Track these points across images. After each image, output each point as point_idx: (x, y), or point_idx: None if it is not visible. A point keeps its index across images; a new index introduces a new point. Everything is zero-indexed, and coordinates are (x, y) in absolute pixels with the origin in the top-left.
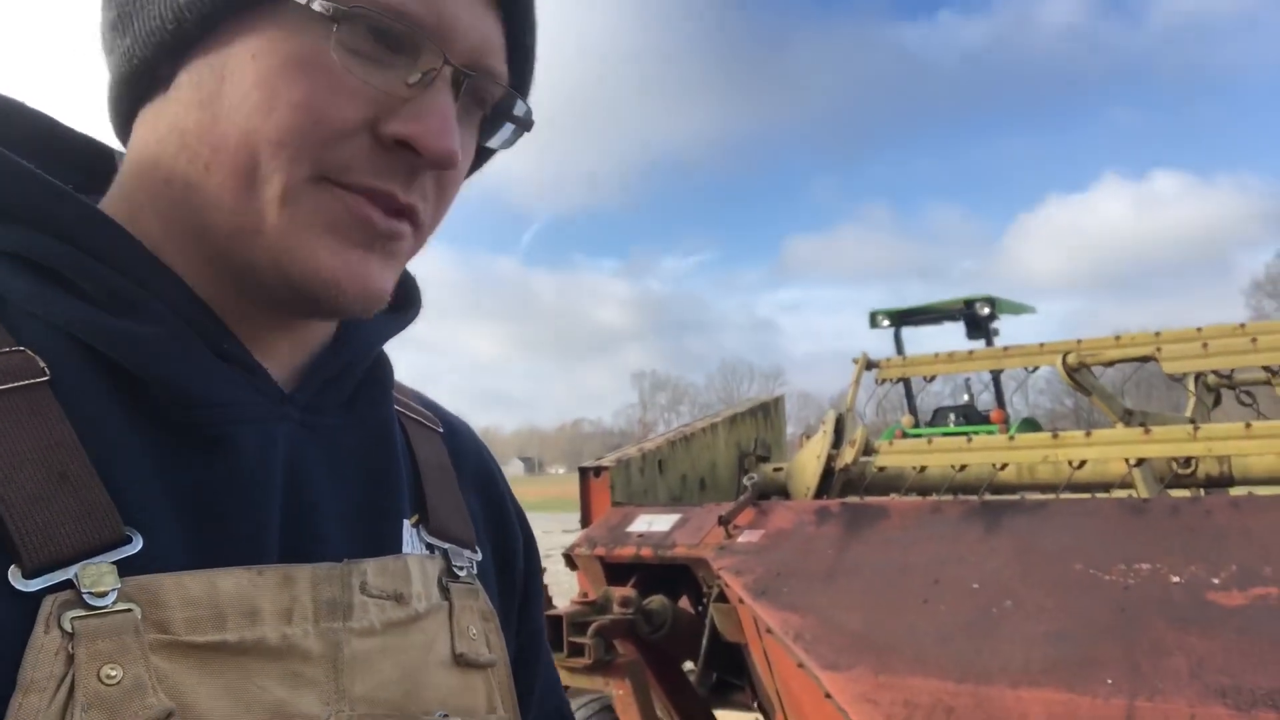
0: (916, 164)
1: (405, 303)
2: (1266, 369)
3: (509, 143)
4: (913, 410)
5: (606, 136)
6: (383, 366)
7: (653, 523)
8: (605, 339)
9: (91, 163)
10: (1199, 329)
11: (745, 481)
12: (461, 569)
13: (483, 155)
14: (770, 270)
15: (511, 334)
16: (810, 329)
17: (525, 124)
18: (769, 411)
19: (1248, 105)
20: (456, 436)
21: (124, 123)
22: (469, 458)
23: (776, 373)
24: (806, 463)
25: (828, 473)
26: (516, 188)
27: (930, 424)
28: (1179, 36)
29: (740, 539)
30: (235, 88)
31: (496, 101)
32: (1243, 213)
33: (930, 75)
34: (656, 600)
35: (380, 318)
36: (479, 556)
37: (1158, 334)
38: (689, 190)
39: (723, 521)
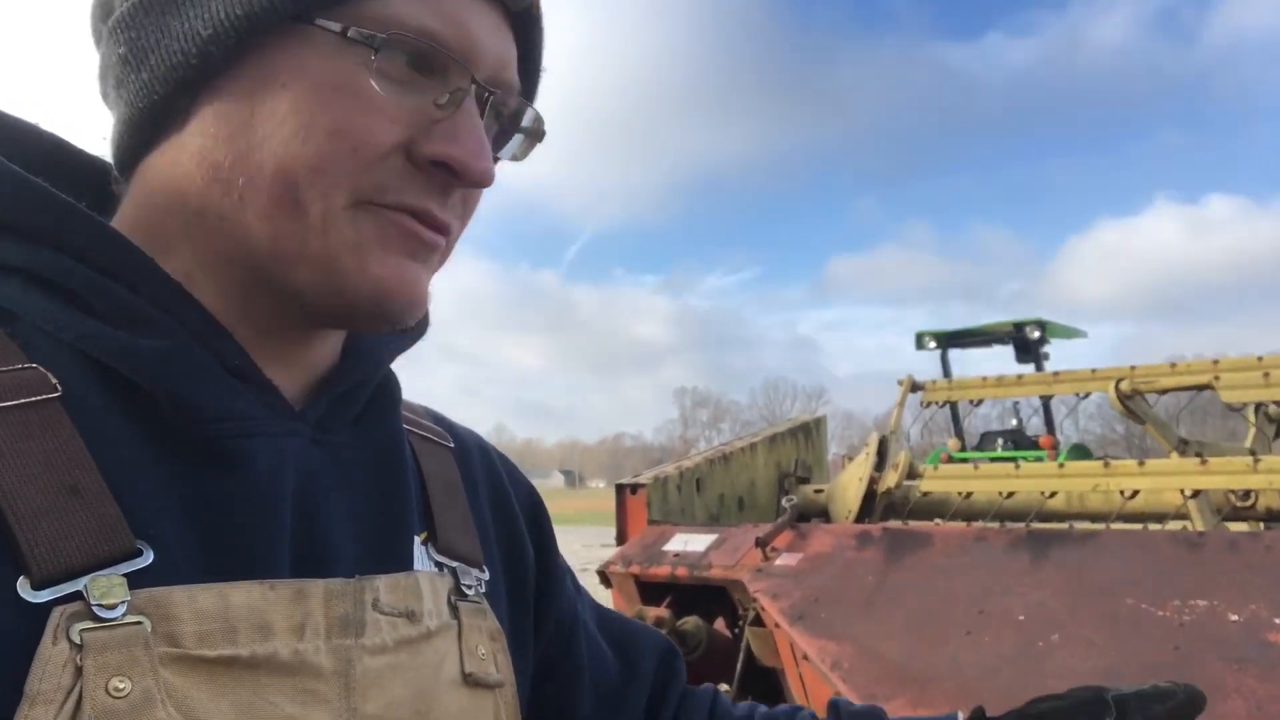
0: (960, 184)
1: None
2: None
3: (519, 156)
4: (959, 434)
5: (649, 153)
6: (391, 384)
7: (689, 542)
8: (646, 354)
9: (100, 182)
10: (1259, 358)
11: (784, 503)
12: (470, 588)
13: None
14: (812, 288)
15: (554, 347)
16: (852, 349)
17: (536, 135)
18: (810, 432)
19: None
20: (466, 452)
21: (131, 155)
22: (480, 471)
23: (819, 392)
24: (848, 485)
25: (869, 496)
26: (560, 203)
27: (977, 448)
28: (1231, 58)
29: (778, 561)
30: (268, 117)
31: (510, 115)
32: None
33: (975, 95)
34: (691, 621)
35: (388, 336)
36: (486, 575)
37: (1215, 362)
38: (730, 207)
39: (760, 543)
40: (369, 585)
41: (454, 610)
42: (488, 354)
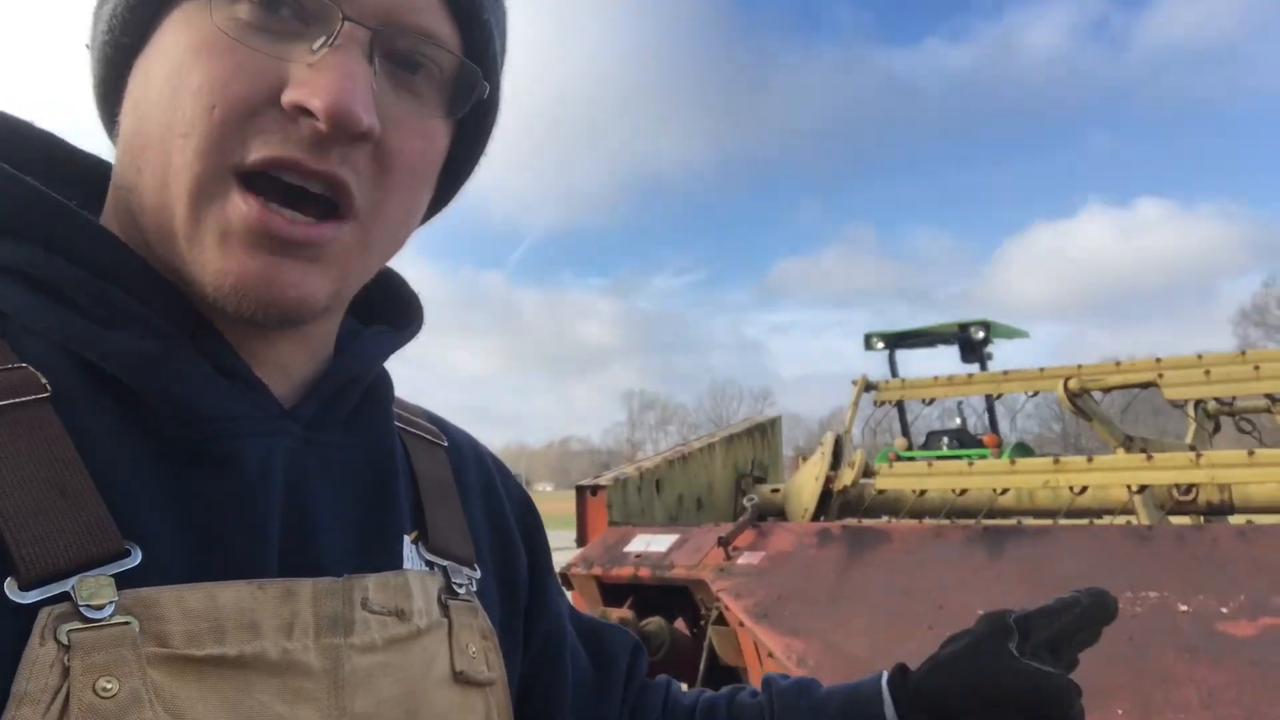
0: (900, 187)
1: (406, 319)
2: (1268, 396)
3: (454, 112)
4: (906, 433)
5: (593, 156)
6: (383, 383)
7: (650, 543)
8: (593, 357)
9: (97, 179)
10: (1199, 356)
11: (745, 502)
12: (460, 586)
13: (474, 152)
14: (758, 291)
15: (500, 351)
16: (797, 350)
17: (466, 86)
18: (765, 432)
19: (1227, 134)
20: (460, 451)
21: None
22: (472, 472)
23: (765, 393)
24: (804, 484)
25: (826, 494)
26: (504, 205)
27: (923, 447)
28: (1160, 65)
29: (740, 560)
30: (153, 86)
31: (453, 75)
32: (1226, 240)
33: (915, 100)
34: (654, 622)
35: (381, 334)
36: (478, 574)
37: (1158, 360)
38: (676, 210)
39: (723, 543)
40: (358, 584)
41: (445, 609)
42: (432, 358)
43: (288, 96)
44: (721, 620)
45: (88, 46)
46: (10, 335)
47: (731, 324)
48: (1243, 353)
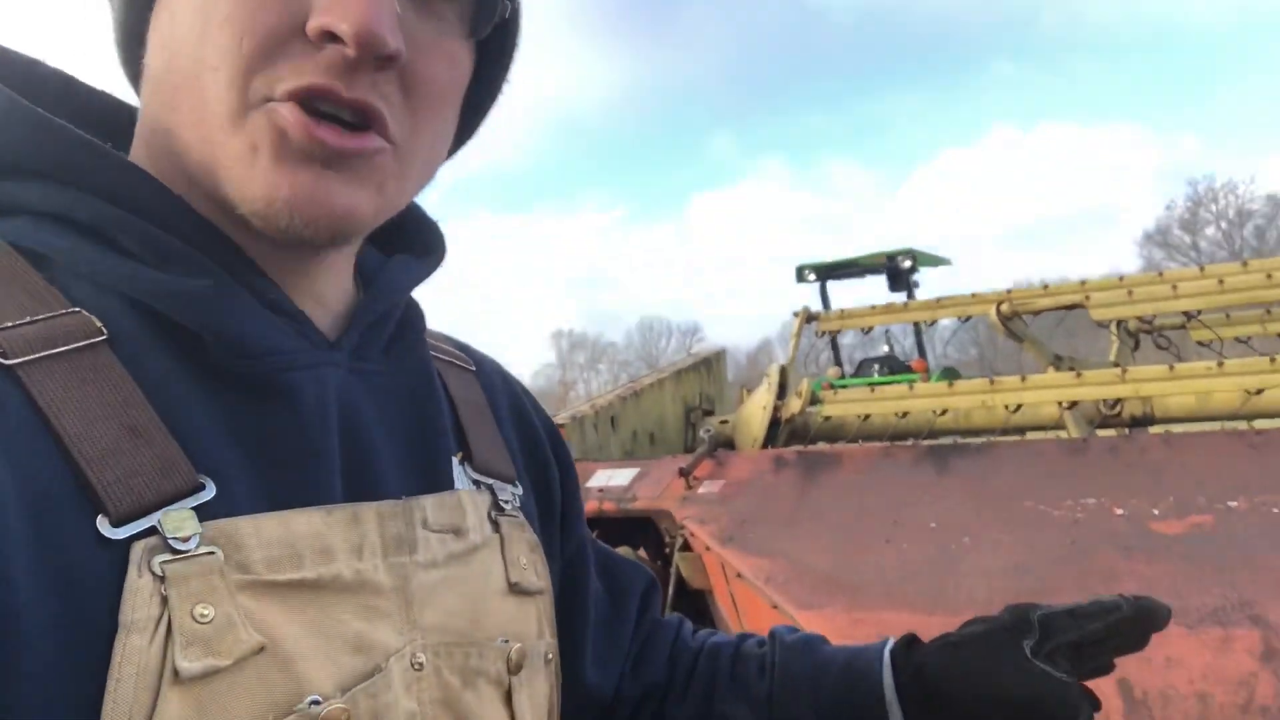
0: (812, 119)
1: (429, 248)
2: (1184, 314)
3: (476, 33)
4: (839, 362)
5: (505, 91)
6: (414, 312)
7: (612, 477)
8: (514, 298)
9: (112, 119)
10: (1121, 278)
11: (703, 434)
12: (507, 503)
13: (496, 78)
14: (678, 227)
15: (418, 294)
16: (720, 284)
17: (503, 14)
18: (711, 366)
19: (1121, 58)
20: (488, 374)
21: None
22: (502, 394)
23: (694, 329)
24: (753, 414)
25: (774, 423)
26: None
27: (855, 375)
28: None
29: (701, 490)
30: (181, 22)
31: None
32: (1124, 162)
33: (824, 29)
34: (622, 552)
35: (408, 263)
36: (520, 490)
37: (1083, 283)
38: (592, 147)
39: (684, 473)
40: (417, 505)
41: (495, 525)
42: None
43: (314, 22)
44: (686, 547)
45: None
46: (60, 280)
47: (654, 261)
48: (1160, 273)
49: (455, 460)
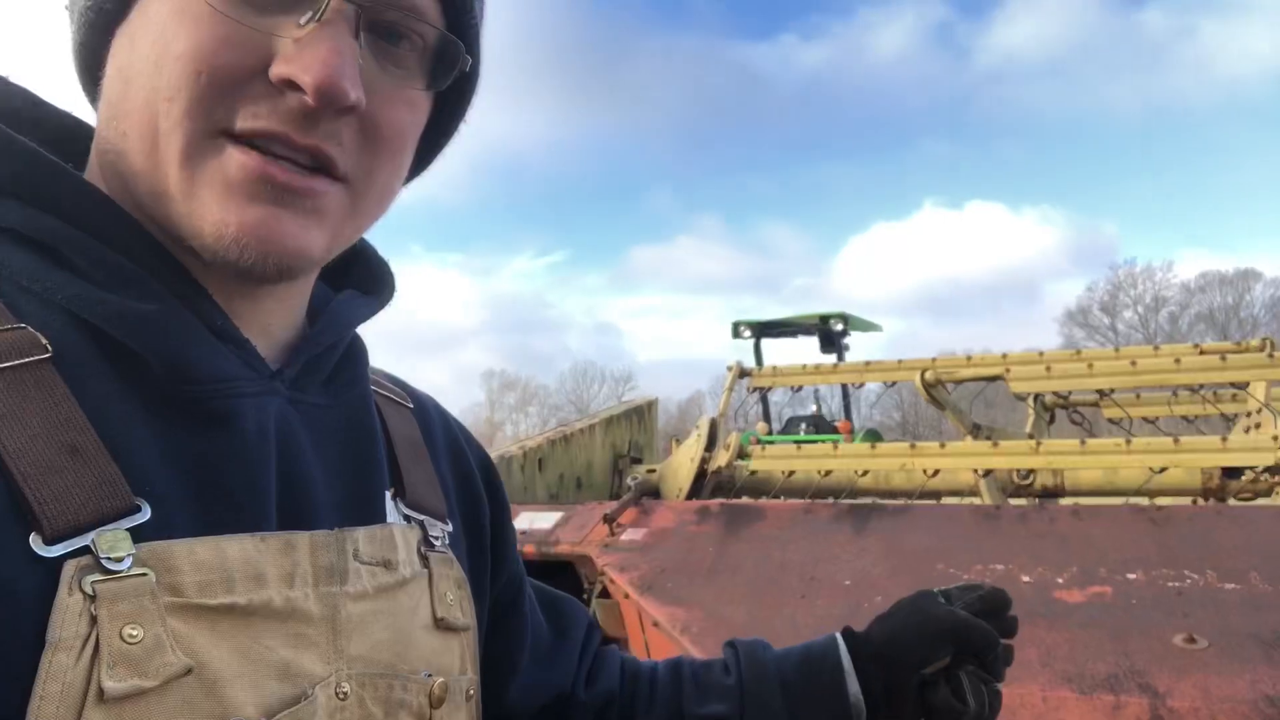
0: (750, 181)
1: (378, 286)
2: (1098, 392)
3: (435, 85)
4: (767, 418)
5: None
6: (358, 347)
7: (535, 520)
8: (447, 336)
9: (71, 139)
10: (1041, 354)
11: (629, 481)
12: (436, 539)
13: (453, 119)
14: (615, 275)
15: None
16: (653, 335)
17: (449, 60)
18: (643, 415)
19: (1048, 144)
20: (425, 411)
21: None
22: (439, 431)
23: (627, 376)
24: (680, 465)
25: (700, 475)
26: None
27: (783, 431)
28: (995, 76)
29: (624, 537)
30: (138, 50)
31: (435, 47)
32: (1048, 243)
33: (767, 95)
34: None
35: (354, 299)
36: (450, 527)
37: (1004, 356)
38: (531, 191)
39: (608, 519)
40: (349, 537)
41: (424, 560)
42: None
43: (277, 71)
44: (605, 593)
45: (67, 8)
46: (7, 295)
47: (589, 307)
48: (1078, 352)
49: (388, 495)
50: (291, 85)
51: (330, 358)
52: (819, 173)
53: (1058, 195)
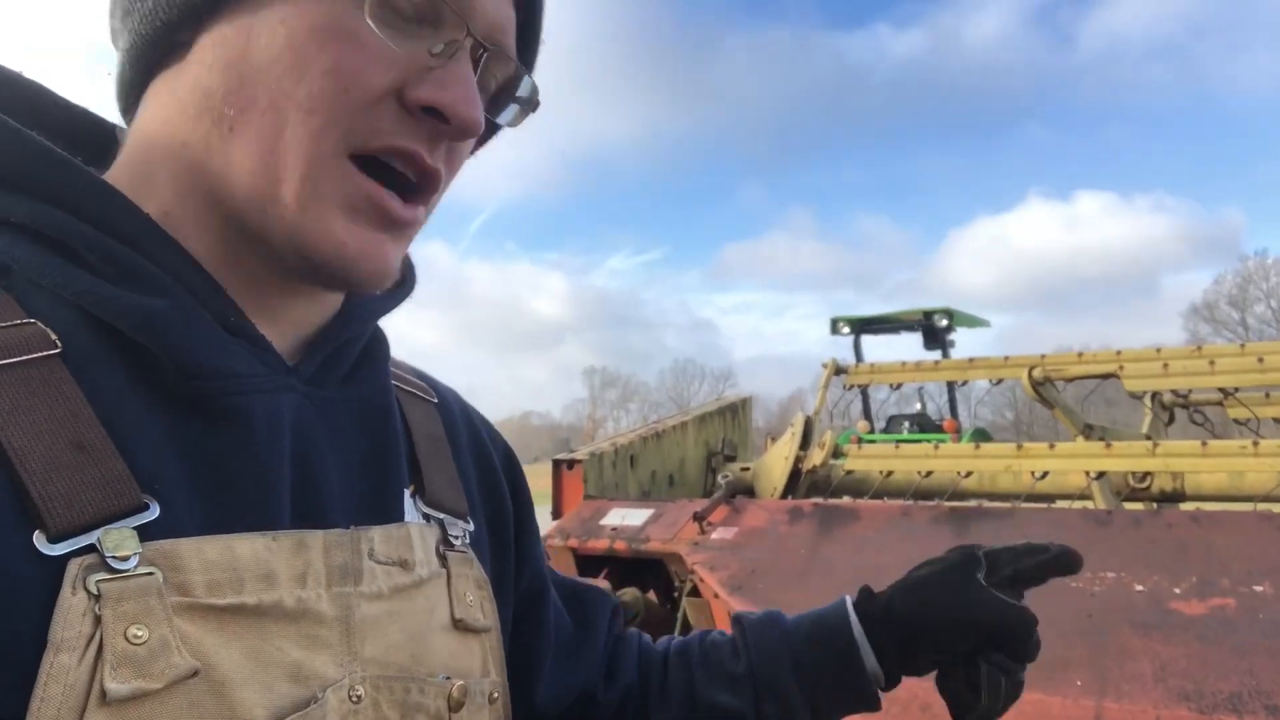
0: (844, 173)
1: (400, 279)
2: (1221, 390)
3: (514, 122)
4: (868, 416)
5: (544, 133)
6: (380, 341)
7: (626, 516)
8: (546, 333)
9: (89, 135)
10: (1158, 350)
11: (720, 480)
12: (456, 538)
13: (486, 134)
14: (709, 272)
15: (449, 324)
16: (749, 332)
17: (530, 104)
18: (736, 412)
19: (1160, 129)
20: (449, 407)
21: (133, 92)
22: (462, 427)
23: (727, 374)
24: (774, 463)
25: (795, 474)
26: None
27: (885, 431)
28: (1099, 59)
29: (714, 535)
30: (264, 51)
31: (504, 82)
32: (1165, 233)
33: (860, 86)
34: (629, 592)
35: (376, 295)
36: (471, 526)
37: (1119, 353)
38: (623, 190)
39: (698, 518)
40: (364, 536)
41: (442, 559)
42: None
43: (422, 95)
44: (695, 592)
45: None
46: (17, 290)
47: (684, 304)
48: (1198, 347)
49: (407, 493)
50: (433, 111)
51: (350, 352)
52: (915, 164)
53: (1173, 182)
